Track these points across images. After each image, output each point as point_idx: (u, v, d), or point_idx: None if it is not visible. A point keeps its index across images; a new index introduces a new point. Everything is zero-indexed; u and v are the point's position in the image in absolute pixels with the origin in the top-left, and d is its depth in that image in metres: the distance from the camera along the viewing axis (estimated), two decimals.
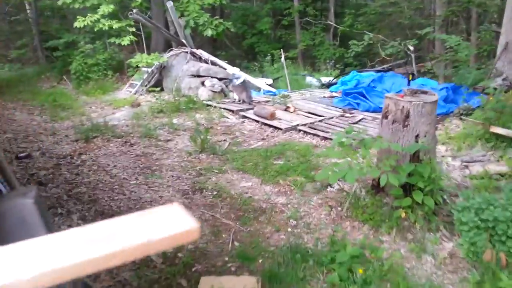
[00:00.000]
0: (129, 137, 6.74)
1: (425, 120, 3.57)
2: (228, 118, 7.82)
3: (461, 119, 7.01)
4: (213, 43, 22.53)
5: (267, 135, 6.76)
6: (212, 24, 11.20)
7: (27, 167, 5.34)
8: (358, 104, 7.97)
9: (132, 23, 10.96)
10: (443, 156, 5.52)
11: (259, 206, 4.24)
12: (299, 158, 5.48)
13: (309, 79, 12.46)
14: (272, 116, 7.20)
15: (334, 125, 6.95)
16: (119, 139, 6.61)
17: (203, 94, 9.57)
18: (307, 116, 7.57)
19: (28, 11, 18.28)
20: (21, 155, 5.70)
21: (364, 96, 8.00)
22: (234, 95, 9.01)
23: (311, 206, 4.17)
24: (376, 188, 3.81)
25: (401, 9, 12.75)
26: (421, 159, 3.58)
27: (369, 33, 10.50)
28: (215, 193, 4.61)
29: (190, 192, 4.66)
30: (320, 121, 7.23)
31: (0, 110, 9.04)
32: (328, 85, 10.96)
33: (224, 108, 8.23)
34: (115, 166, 5.46)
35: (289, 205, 4.22)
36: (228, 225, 3.90)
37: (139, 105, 9.10)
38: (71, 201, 4.33)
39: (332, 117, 7.47)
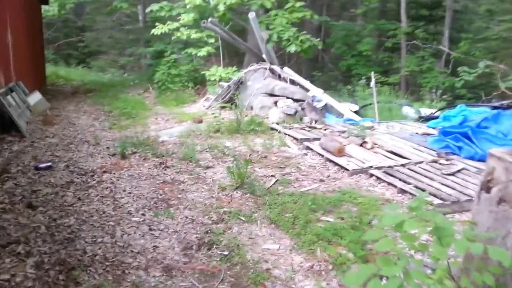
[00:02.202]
0: (169, 157, 5.84)
1: None
2: (289, 147, 6.53)
3: None
4: (314, 64, 21.47)
5: (328, 176, 5.32)
6: (298, 39, 10.06)
7: (38, 181, 4.66)
8: (459, 148, 6.07)
9: (213, 34, 10.33)
10: None
11: None
12: (358, 217, 3.98)
13: (406, 109, 10.57)
14: (340, 152, 5.74)
15: (421, 174, 5.24)
16: (157, 159, 5.75)
17: (274, 115, 8.44)
18: (387, 157, 5.93)
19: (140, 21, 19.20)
20: (41, 165, 5.07)
21: (469, 139, 6.08)
22: (306, 118, 7.74)
23: None
24: None
25: None
26: None
27: (487, 60, 8.39)
28: (225, 253, 3.37)
29: (194, 246, 3.48)
30: (403, 165, 5.56)
31: (67, 113, 8.92)
32: (427, 119, 9.04)
33: (288, 135, 6.97)
34: (130, 193, 4.52)
35: None
36: None
37: (201, 121, 8.27)
38: (44, 236, 3.44)
39: (421, 162, 5.73)
